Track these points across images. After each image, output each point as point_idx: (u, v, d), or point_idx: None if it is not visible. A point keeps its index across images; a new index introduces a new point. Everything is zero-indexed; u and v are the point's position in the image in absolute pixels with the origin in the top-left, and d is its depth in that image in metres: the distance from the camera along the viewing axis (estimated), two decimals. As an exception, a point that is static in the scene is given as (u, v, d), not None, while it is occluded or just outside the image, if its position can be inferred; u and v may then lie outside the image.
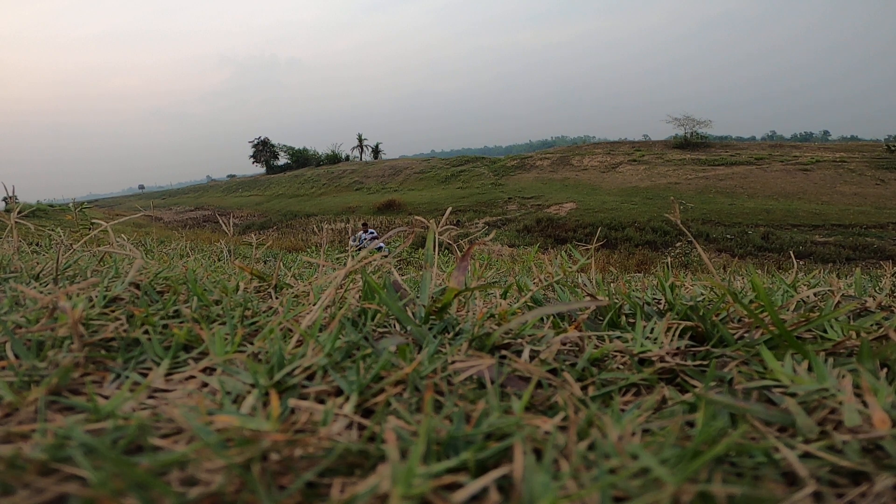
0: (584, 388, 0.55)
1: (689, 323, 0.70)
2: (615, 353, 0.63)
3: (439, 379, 0.53)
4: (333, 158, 55.91)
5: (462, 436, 0.41)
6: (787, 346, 0.59)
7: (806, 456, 0.40)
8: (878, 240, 16.22)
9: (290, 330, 0.67)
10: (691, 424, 0.45)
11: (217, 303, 0.82)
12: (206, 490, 0.34)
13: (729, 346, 0.64)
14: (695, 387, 0.55)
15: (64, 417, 0.45)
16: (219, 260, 2.32)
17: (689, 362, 0.60)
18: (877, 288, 1.31)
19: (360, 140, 61.91)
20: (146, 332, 0.66)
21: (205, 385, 0.53)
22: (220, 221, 1.77)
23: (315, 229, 19.86)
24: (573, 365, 0.59)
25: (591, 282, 1.10)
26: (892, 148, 28.38)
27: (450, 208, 1.19)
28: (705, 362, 0.61)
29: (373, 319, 0.72)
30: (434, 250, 0.89)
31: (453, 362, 0.56)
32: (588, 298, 0.93)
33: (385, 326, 0.72)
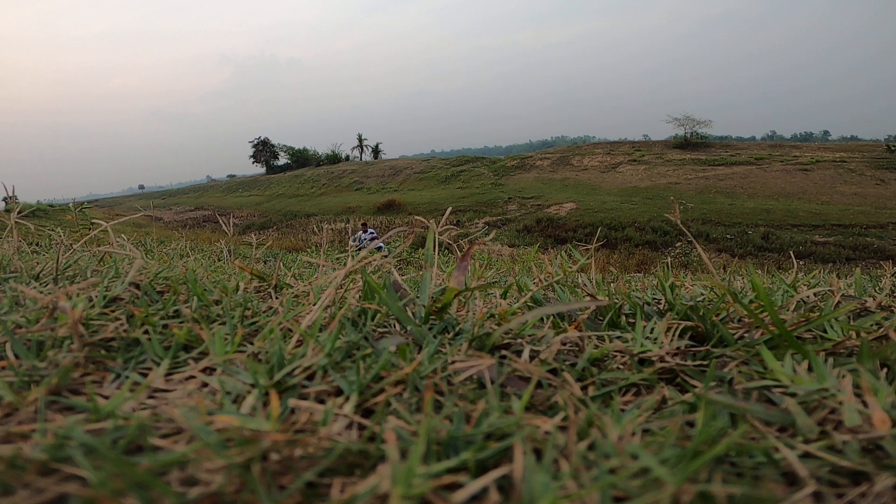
0: (584, 388, 0.55)
1: (689, 323, 0.70)
2: (615, 353, 0.63)
3: (439, 379, 0.53)
4: (333, 158, 55.90)
5: (462, 436, 0.41)
6: (787, 346, 0.59)
7: (806, 456, 0.40)
8: (878, 240, 16.22)
9: (290, 330, 0.67)
10: (691, 424, 0.45)
11: (217, 303, 0.82)
12: (206, 490, 0.34)
13: (729, 346, 0.64)
14: (695, 387, 0.55)
15: (64, 417, 0.45)
16: (219, 260, 2.32)
17: (689, 362, 0.60)
18: (877, 288, 1.31)
19: (360, 140, 61.91)
20: (146, 332, 0.66)
21: (205, 385, 0.53)
22: (220, 221, 1.77)
23: (315, 229, 19.86)
24: (573, 365, 0.59)
25: (591, 282, 1.10)
26: (892, 148, 28.39)
27: (450, 208, 1.19)
28: (705, 362, 0.61)
29: (373, 319, 0.72)
30: (434, 250, 0.89)
31: (453, 362, 0.56)
32: (588, 298, 0.93)
33: (385, 326, 0.72)
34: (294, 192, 40.24)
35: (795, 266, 1.18)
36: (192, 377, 0.55)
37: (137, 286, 0.85)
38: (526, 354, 0.60)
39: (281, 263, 1.11)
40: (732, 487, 0.34)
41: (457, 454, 0.39)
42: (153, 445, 0.40)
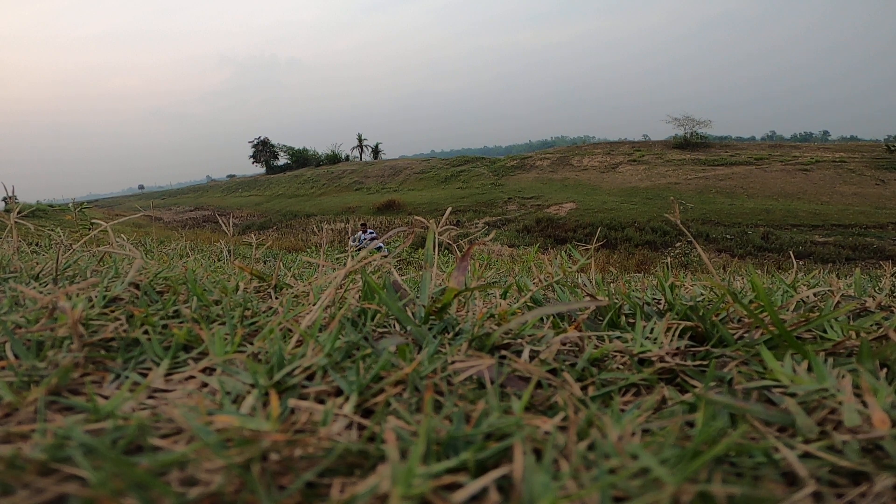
0: (584, 388, 0.55)
1: (688, 323, 0.70)
2: (615, 353, 0.63)
3: (439, 379, 0.53)
4: (333, 158, 55.89)
5: (462, 436, 0.41)
6: (787, 346, 0.59)
7: (806, 456, 0.40)
8: (877, 240, 16.23)
9: (290, 330, 0.67)
10: (691, 424, 0.45)
11: (217, 303, 0.82)
12: (206, 490, 0.34)
13: (729, 346, 0.64)
14: (695, 387, 0.55)
15: (64, 417, 0.45)
16: (219, 260, 2.32)
17: (689, 362, 0.60)
18: (876, 288, 1.31)
19: (360, 140, 61.90)
20: (146, 332, 0.66)
21: (205, 385, 0.53)
22: (220, 221, 1.77)
23: (315, 229, 19.86)
24: (573, 365, 0.59)
25: (590, 282, 1.10)
26: (892, 148, 28.39)
27: (450, 208, 1.19)
28: (705, 362, 0.61)
29: (373, 319, 0.72)
30: (434, 250, 0.89)
31: (453, 362, 0.56)
32: (588, 298, 0.93)
33: (385, 326, 0.72)
34: (294, 192, 40.24)
35: (795, 266, 1.18)
36: (192, 377, 0.55)
37: (137, 286, 0.85)
38: (526, 354, 0.60)
39: (281, 263, 1.11)
40: (732, 487, 0.34)
41: (457, 454, 0.39)
42: (153, 445, 0.39)
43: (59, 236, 1.41)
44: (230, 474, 0.35)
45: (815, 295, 0.98)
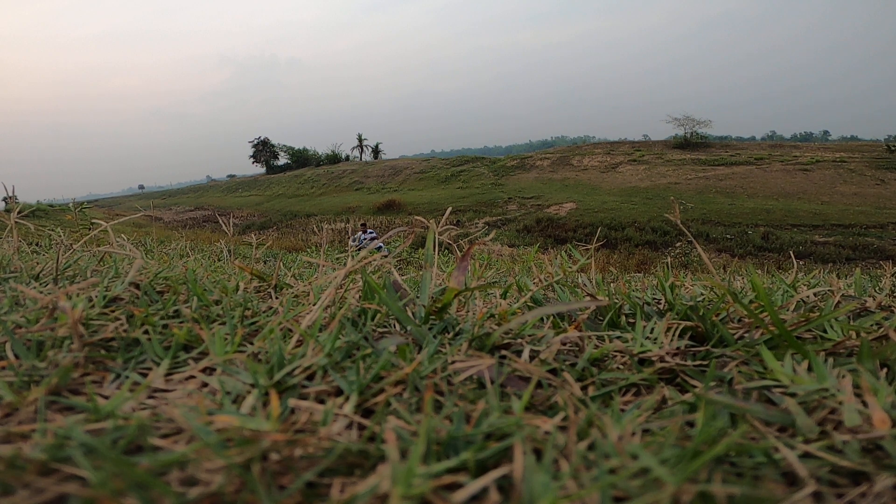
0: (584, 388, 0.55)
1: (689, 323, 0.70)
2: (615, 353, 0.63)
3: (439, 379, 0.53)
4: (333, 158, 55.89)
5: (462, 436, 0.41)
6: (787, 346, 0.59)
7: (806, 456, 0.40)
8: (878, 240, 16.22)
9: (290, 330, 0.67)
10: (691, 424, 0.45)
11: (217, 303, 0.82)
12: (206, 490, 0.34)
13: (729, 346, 0.64)
14: (695, 387, 0.55)
15: (64, 417, 0.45)
16: (219, 260, 2.32)
17: (689, 362, 0.60)
18: (877, 288, 1.31)
19: (360, 140, 61.90)
20: (146, 332, 0.66)
21: (205, 385, 0.53)
22: (220, 221, 1.77)
23: (315, 229, 19.85)
24: (573, 365, 0.59)
25: (591, 282, 1.10)
26: (892, 148, 28.38)
27: (450, 208, 1.19)
28: (705, 362, 0.61)
29: (373, 319, 0.72)
30: (434, 250, 0.89)
31: (453, 362, 0.56)
32: (588, 298, 0.93)
33: (385, 326, 0.72)
34: (294, 192, 40.25)
35: (795, 266, 1.18)
36: (192, 377, 0.55)
37: (137, 286, 0.85)
38: (526, 354, 0.60)
39: (281, 263, 1.11)
40: (732, 487, 0.34)
41: (457, 454, 0.39)
42: (153, 445, 0.40)
43: (60, 236, 1.41)
44: (230, 474, 0.35)
45: (815, 295, 0.98)
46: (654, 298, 0.97)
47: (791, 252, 1.74)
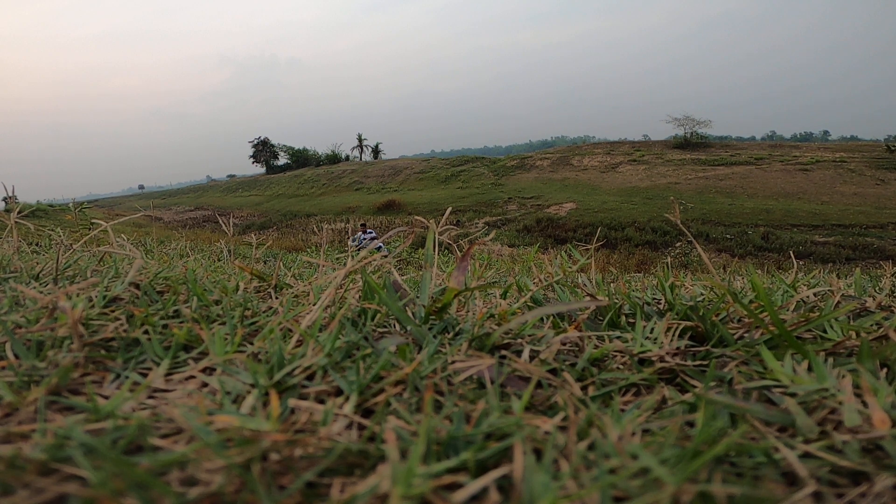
0: (584, 388, 0.55)
1: (689, 323, 0.70)
2: (615, 353, 0.63)
3: (439, 379, 0.53)
4: (333, 158, 55.90)
5: (462, 436, 0.41)
6: (787, 346, 0.59)
7: (806, 456, 0.40)
8: (878, 240, 16.22)
9: (290, 330, 0.67)
10: (691, 424, 0.45)
11: (217, 303, 0.82)
12: (206, 490, 0.34)
13: (729, 346, 0.64)
14: (695, 387, 0.55)
15: (64, 417, 0.45)
16: (219, 260, 2.32)
17: (689, 362, 0.60)
18: (877, 288, 1.31)
19: (360, 140, 61.90)
20: (146, 332, 0.66)
21: (205, 385, 0.53)
22: (220, 221, 1.77)
23: (315, 229, 19.85)
24: (573, 365, 0.59)
25: (591, 282, 1.10)
26: (892, 148, 28.39)
27: (450, 208, 1.19)
28: (705, 362, 0.61)
29: (373, 319, 0.72)
30: (434, 250, 0.89)
31: (453, 362, 0.56)
32: (588, 298, 0.93)
33: (385, 326, 0.72)
34: (294, 192, 40.25)
35: (795, 266, 1.18)
36: (192, 377, 0.55)
37: (137, 286, 0.85)
38: (526, 354, 0.60)
39: (281, 263, 1.11)
40: (732, 487, 0.34)
41: (457, 454, 0.39)
42: (153, 445, 0.39)
43: (60, 236, 1.41)
44: (230, 474, 0.35)
45: (815, 295, 0.98)
46: (654, 298, 0.97)
47: (791, 252, 1.74)
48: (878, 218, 18.67)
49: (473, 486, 0.34)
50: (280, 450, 0.38)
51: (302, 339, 0.61)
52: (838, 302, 0.88)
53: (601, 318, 0.78)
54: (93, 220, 1.18)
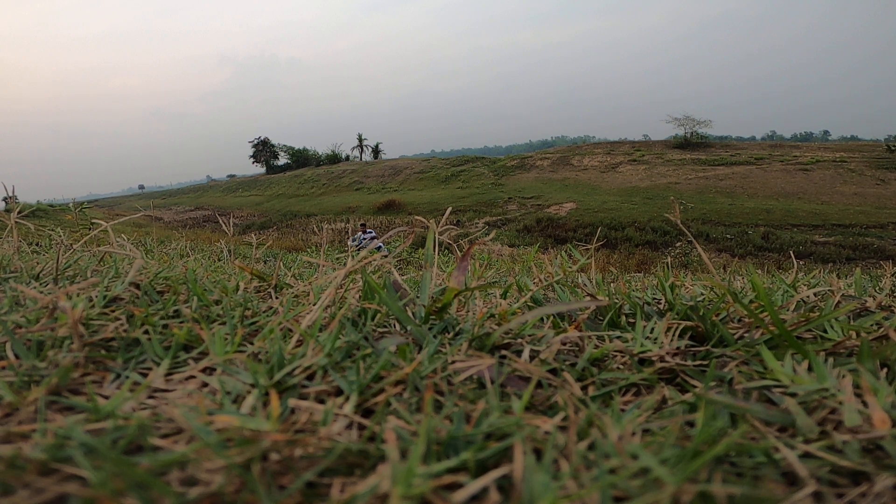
0: (584, 388, 0.55)
1: (689, 323, 0.70)
2: (615, 353, 0.63)
3: (439, 379, 0.53)
4: (333, 158, 55.90)
5: (462, 436, 0.41)
6: (787, 346, 0.59)
7: (806, 456, 0.40)
8: (878, 240, 16.22)
9: (290, 330, 0.67)
10: (691, 424, 0.45)
11: (217, 303, 0.82)
12: (206, 490, 0.34)
13: (729, 346, 0.64)
14: (695, 387, 0.55)
15: (64, 417, 0.45)
16: (219, 260, 2.32)
17: (689, 362, 0.60)
18: (877, 288, 1.31)
19: (360, 140, 61.91)
20: (146, 332, 0.66)
21: (205, 385, 0.53)
22: (220, 221, 1.77)
23: (315, 229, 19.85)
24: (573, 365, 0.59)
25: (591, 282, 1.10)
26: (892, 148, 28.39)
27: (450, 208, 1.19)
28: (705, 362, 0.61)
29: (373, 319, 0.72)
30: (434, 250, 0.89)
31: (453, 362, 0.56)
32: (588, 298, 0.93)
33: (385, 326, 0.72)
34: (294, 192, 40.26)
35: (795, 266, 1.18)
36: (192, 377, 0.55)
37: (137, 286, 0.85)
38: (526, 354, 0.60)
39: (281, 263, 1.11)
40: (732, 487, 0.34)
41: (457, 454, 0.39)
42: (153, 445, 0.40)
43: (60, 236, 1.41)
44: (230, 474, 0.35)
45: (815, 295, 0.98)
46: (654, 298, 0.97)
47: (791, 252, 1.74)
48: (879, 218, 18.67)
49: (473, 486, 0.34)
50: (280, 450, 0.38)
51: (302, 339, 0.61)
52: (838, 302, 0.88)
53: (601, 318, 0.78)
54: (93, 220, 1.18)
